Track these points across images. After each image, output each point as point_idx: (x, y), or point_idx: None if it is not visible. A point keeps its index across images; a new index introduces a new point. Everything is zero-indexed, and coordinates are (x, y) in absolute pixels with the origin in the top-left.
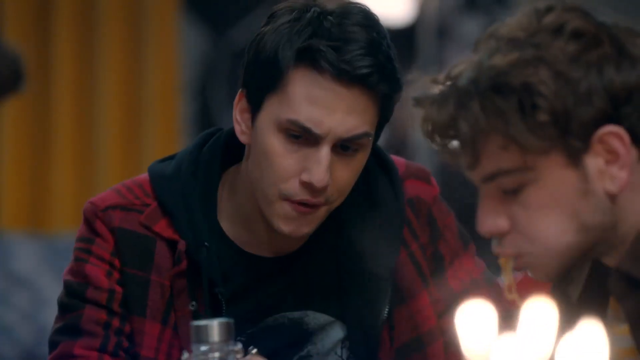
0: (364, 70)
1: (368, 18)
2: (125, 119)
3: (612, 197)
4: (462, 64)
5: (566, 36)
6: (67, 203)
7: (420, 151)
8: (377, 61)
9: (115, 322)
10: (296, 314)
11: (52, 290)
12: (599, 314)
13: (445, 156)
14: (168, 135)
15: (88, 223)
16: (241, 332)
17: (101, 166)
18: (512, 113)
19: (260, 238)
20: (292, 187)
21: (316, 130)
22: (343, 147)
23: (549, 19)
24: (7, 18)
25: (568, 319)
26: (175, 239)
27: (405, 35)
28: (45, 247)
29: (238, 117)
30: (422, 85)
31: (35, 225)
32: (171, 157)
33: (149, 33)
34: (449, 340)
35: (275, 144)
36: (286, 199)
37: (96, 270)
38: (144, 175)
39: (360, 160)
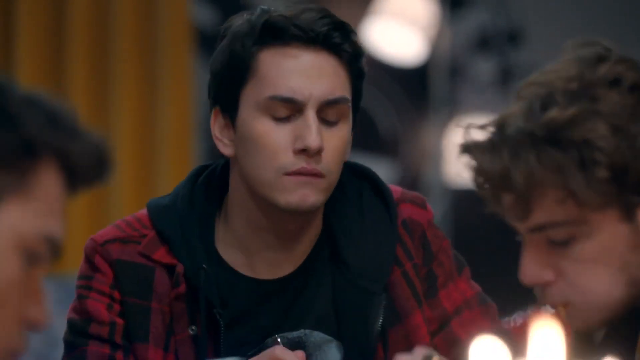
0: (324, 28)
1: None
2: (139, 158)
3: None
4: (509, 111)
5: (624, 90)
6: (80, 243)
7: (432, 191)
8: (334, 21)
9: (119, 356)
10: (294, 334)
11: None
12: (624, 357)
13: (494, 206)
14: (181, 173)
15: (88, 260)
16: (242, 354)
17: (114, 205)
18: (572, 167)
19: (257, 261)
20: (288, 159)
21: (298, 97)
22: (326, 122)
23: (603, 70)
24: (20, 55)
25: None
26: (173, 263)
27: (418, 76)
28: (59, 289)
29: (218, 135)
30: (464, 131)
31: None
32: (169, 194)
33: (162, 72)
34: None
35: (263, 125)
36: (284, 173)
37: (97, 305)
38: (143, 211)
39: (344, 131)
